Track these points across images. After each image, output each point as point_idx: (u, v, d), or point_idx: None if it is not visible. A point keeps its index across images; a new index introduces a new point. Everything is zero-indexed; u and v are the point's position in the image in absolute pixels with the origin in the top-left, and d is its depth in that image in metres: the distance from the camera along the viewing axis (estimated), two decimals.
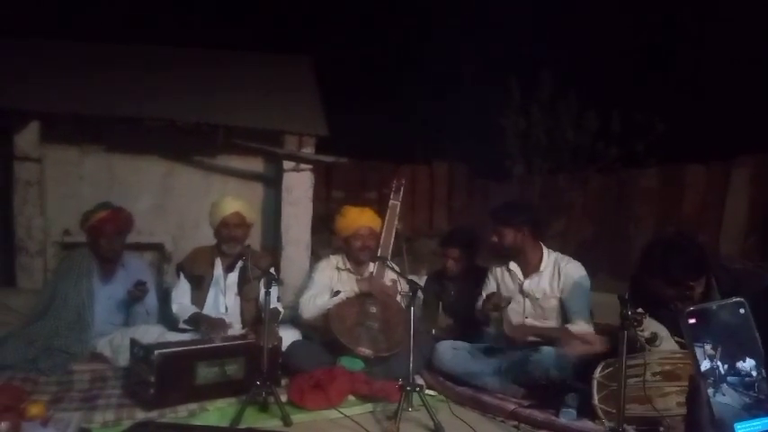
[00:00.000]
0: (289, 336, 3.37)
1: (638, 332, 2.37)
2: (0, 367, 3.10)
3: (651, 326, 2.55)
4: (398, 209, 3.70)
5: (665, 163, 5.86)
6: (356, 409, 2.80)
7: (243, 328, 3.51)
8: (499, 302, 3.09)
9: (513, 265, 3.30)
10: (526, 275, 3.21)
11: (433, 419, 2.55)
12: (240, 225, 3.55)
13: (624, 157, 6.78)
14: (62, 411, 2.37)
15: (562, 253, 3.28)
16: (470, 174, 6.79)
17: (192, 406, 2.73)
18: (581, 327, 3.04)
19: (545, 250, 3.21)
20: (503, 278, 3.33)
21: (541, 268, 3.17)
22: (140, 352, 2.78)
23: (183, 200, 5.33)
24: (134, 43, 6.03)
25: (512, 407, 2.77)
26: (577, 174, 6.39)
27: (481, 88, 7.07)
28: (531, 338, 3.11)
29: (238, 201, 3.65)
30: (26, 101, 4.71)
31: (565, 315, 3.15)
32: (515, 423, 2.67)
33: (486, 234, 3.32)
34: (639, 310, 2.13)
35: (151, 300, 3.63)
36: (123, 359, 3.17)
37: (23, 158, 4.71)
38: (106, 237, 3.55)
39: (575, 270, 3.13)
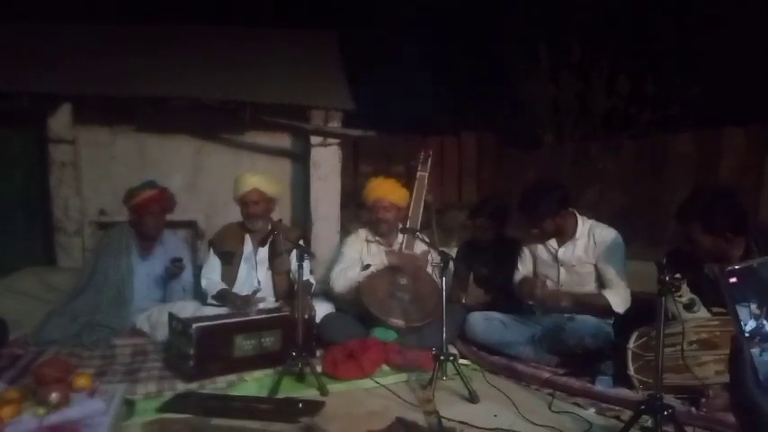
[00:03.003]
0: (322, 309, 3.41)
1: (676, 298, 2.33)
2: (46, 342, 3.23)
3: (688, 293, 2.50)
4: (426, 180, 3.67)
5: (701, 126, 5.67)
6: (390, 379, 2.83)
7: (276, 301, 3.56)
8: (533, 289, 3.06)
9: None
10: (560, 244, 3.16)
11: (467, 388, 2.56)
12: (258, 201, 3.55)
13: (658, 121, 6.57)
14: (106, 384, 2.45)
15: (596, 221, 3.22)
16: (499, 144, 6.67)
17: (231, 377, 2.80)
18: (617, 292, 2.98)
19: (579, 218, 3.15)
20: (536, 249, 3.29)
21: (576, 236, 3.11)
22: (179, 326, 2.85)
23: (214, 177, 5.38)
24: (160, 23, 6.06)
25: (546, 375, 2.78)
26: (610, 140, 6.23)
27: (509, 55, 6.91)
28: (565, 304, 3.07)
29: (256, 176, 3.60)
30: (57, 84, 4.79)
31: (600, 281, 3.10)
32: (550, 391, 2.66)
33: (517, 207, 3.25)
34: (677, 275, 2.08)
35: (187, 276, 3.71)
36: (161, 334, 3.26)
37: (57, 141, 4.81)
38: (151, 215, 3.62)
39: (609, 236, 3.07)
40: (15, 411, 1.79)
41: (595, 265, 3.09)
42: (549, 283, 3.15)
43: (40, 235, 5.06)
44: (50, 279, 3.84)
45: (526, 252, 3.35)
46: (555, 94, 6.82)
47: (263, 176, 3.65)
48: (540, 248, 3.27)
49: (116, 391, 2.09)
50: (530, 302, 3.20)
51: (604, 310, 3.00)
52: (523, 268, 3.35)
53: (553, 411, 2.44)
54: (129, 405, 2.33)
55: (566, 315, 3.06)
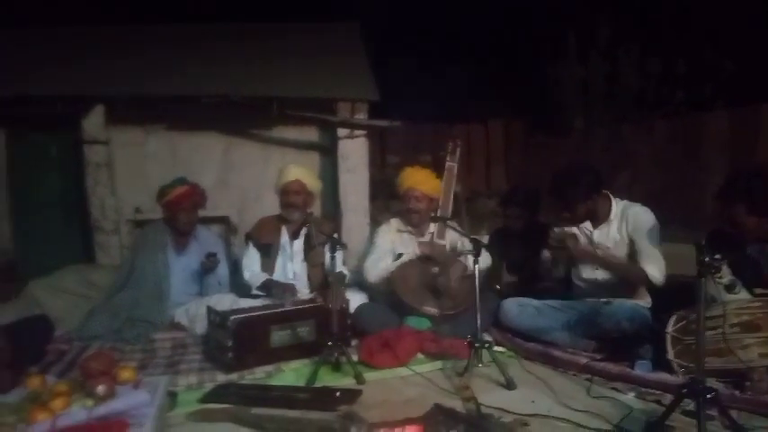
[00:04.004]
0: (356, 299, 3.43)
1: (717, 279, 2.28)
2: (89, 338, 3.33)
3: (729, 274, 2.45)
4: (455, 170, 3.66)
5: (736, 105, 5.51)
6: (426, 367, 2.84)
7: (311, 292, 3.60)
8: (563, 238, 3.01)
9: None
10: (595, 226, 3.11)
11: (503, 375, 2.56)
12: (299, 192, 3.60)
13: (691, 101, 6.41)
14: (149, 377, 2.52)
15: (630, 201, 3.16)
16: (527, 130, 6.60)
17: (269, 367, 2.85)
18: (653, 262, 2.91)
19: (613, 200, 3.09)
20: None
21: (611, 217, 3.06)
22: (217, 319, 2.91)
23: (244, 173, 5.45)
24: (185, 22, 6.14)
25: (584, 360, 2.75)
26: (641, 122, 6.10)
27: (535, 39, 6.81)
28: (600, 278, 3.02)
29: (301, 169, 3.69)
30: (89, 86, 4.90)
31: (636, 258, 3.04)
32: (588, 376, 2.64)
33: (547, 192, 3.21)
34: (717, 256, 2.04)
35: (222, 270, 3.78)
36: (200, 327, 3.33)
37: (92, 142, 4.92)
38: (184, 210, 3.70)
39: (642, 213, 3.01)
40: (66, 403, 1.86)
41: (630, 244, 3.03)
42: (585, 270, 3.12)
43: (79, 234, 5.20)
44: (91, 277, 3.95)
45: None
46: (584, 76, 6.71)
47: (307, 170, 3.73)
48: (575, 231, 3.23)
49: (159, 383, 2.14)
50: (555, 268, 3.16)
51: (639, 280, 2.95)
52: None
53: (592, 397, 2.42)
54: (172, 396, 2.38)
55: (602, 299, 3.02)
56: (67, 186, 5.31)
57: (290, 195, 3.59)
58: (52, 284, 3.81)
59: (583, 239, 3.17)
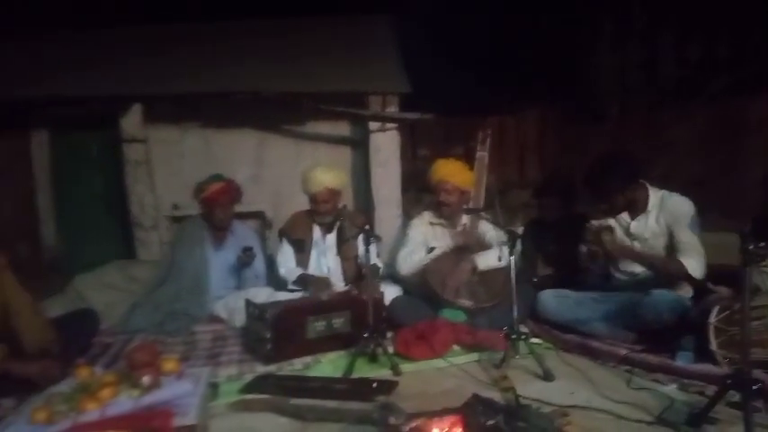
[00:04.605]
0: (390, 292, 3.45)
1: (762, 268, 2.22)
2: (133, 331, 3.43)
3: None
4: (486, 160, 3.62)
5: None
6: (462, 359, 2.84)
7: (345, 285, 3.63)
8: (599, 233, 2.96)
9: None
10: (633, 217, 3.05)
11: (541, 366, 2.54)
12: (328, 200, 3.61)
13: (732, 86, 6.20)
14: (191, 368, 2.58)
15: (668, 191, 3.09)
16: (561, 119, 6.49)
17: (307, 359, 2.89)
18: (692, 256, 2.84)
19: (650, 189, 3.03)
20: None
21: (648, 208, 3.00)
22: (255, 311, 2.96)
23: (277, 168, 5.52)
24: (216, 20, 6.22)
25: (623, 352, 2.71)
26: (680, 108, 5.93)
27: (569, 25, 6.66)
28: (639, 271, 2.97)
29: (327, 174, 3.61)
30: (127, 86, 5.03)
31: (673, 252, 2.97)
32: (628, 368, 2.60)
33: (583, 182, 3.15)
34: (762, 244, 1.98)
35: (259, 264, 3.85)
36: (238, 320, 3.39)
37: (130, 140, 5.06)
38: (221, 206, 3.78)
39: (681, 203, 2.94)
40: (113, 393, 1.92)
41: (668, 236, 2.97)
42: (624, 263, 3.07)
43: (120, 230, 5.35)
44: (133, 272, 4.06)
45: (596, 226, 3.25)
46: (620, 63, 6.55)
47: (331, 173, 3.65)
48: (611, 223, 3.18)
49: (202, 374, 2.20)
50: (592, 263, 3.11)
51: (678, 276, 2.87)
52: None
53: (632, 388, 2.38)
54: (214, 387, 2.44)
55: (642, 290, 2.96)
56: (108, 184, 5.47)
57: (320, 204, 3.61)
58: (96, 280, 3.94)
59: (620, 231, 3.11)
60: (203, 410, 2.01)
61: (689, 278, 2.85)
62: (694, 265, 2.81)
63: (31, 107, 5.10)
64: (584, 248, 3.18)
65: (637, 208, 3.04)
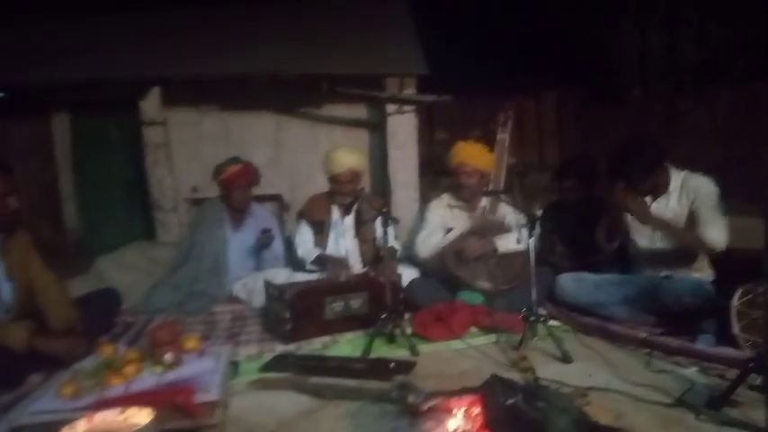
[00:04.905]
0: (407, 274, 3.45)
1: None
2: (153, 311, 3.49)
3: None
4: (507, 142, 3.59)
5: None
6: (480, 340, 2.83)
7: (363, 267, 3.64)
8: (626, 191, 2.91)
9: None
10: (654, 199, 3.02)
11: (559, 348, 2.53)
12: (351, 181, 3.62)
13: (754, 69, 6.06)
14: (211, 347, 2.61)
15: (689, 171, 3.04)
16: (581, 102, 6.40)
17: (325, 339, 2.92)
18: (714, 228, 2.79)
19: (672, 171, 2.99)
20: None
21: (670, 189, 2.96)
22: (275, 292, 2.99)
23: (295, 151, 5.54)
24: (232, 2, 6.20)
25: (643, 335, 2.68)
26: (702, 92, 5.82)
27: (590, 7, 6.54)
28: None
29: (351, 155, 3.62)
30: (146, 69, 5.05)
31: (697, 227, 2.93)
32: (647, 351, 2.58)
33: (606, 168, 3.11)
34: None
35: (277, 245, 3.88)
36: (257, 300, 3.43)
37: (150, 123, 5.10)
38: (239, 188, 3.81)
39: (703, 182, 2.90)
40: (137, 369, 1.96)
41: (690, 216, 2.93)
42: (643, 241, 3.04)
43: (140, 212, 5.42)
44: (153, 253, 4.12)
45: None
46: (641, 45, 6.43)
47: (354, 154, 3.66)
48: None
49: (222, 352, 2.23)
50: (609, 241, 3.08)
51: (699, 247, 2.85)
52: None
53: (651, 371, 2.36)
54: (234, 366, 2.47)
55: (662, 273, 2.94)
56: (128, 167, 5.53)
57: (342, 185, 3.61)
58: (117, 260, 3.99)
59: None
60: (224, 387, 2.04)
61: (710, 250, 2.81)
62: (715, 234, 2.76)
63: (52, 91, 5.15)
64: (602, 225, 3.15)
65: (658, 190, 3.00)
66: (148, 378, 1.91)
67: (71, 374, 1.98)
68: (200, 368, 2.00)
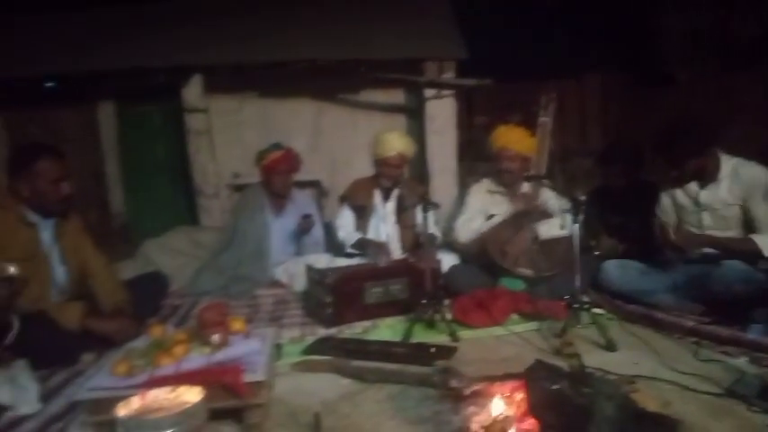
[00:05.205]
0: (447, 260, 3.45)
1: None
2: (199, 293, 3.58)
3: None
4: (550, 126, 3.52)
5: None
6: (521, 327, 2.82)
7: (403, 253, 3.65)
8: (667, 236, 2.87)
9: None
10: (702, 186, 2.92)
11: (604, 336, 2.49)
12: (399, 166, 3.64)
13: None
14: (255, 329, 2.67)
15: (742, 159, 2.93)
16: (626, 84, 6.20)
17: (365, 323, 2.96)
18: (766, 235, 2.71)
19: (722, 156, 2.89)
20: (675, 194, 3.07)
21: (719, 176, 2.86)
22: (316, 276, 3.04)
23: (333, 137, 5.56)
24: None
25: (690, 324, 2.62)
26: (754, 72, 5.58)
27: None
28: (707, 250, 2.86)
29: (402, 139, 3.66)
30: (188, 57, 5.13)
31: (748, 224, 2.84)
32: (695, 340, 2.52)
33: (653, 148, 3.03)
34: None
35: (317, 231, 3.93)
36: (298, 284, 3.49)
37: (192, 110, 5.18)
38: (280, 174, 3.86)
39: (757, 173, 2.79)
40: (186, 350, 2.01)
41: (741, 207, 2.84)
42: (691, 218, 2.96)
43: (184, 198, 5.54)
44: (198, 237, 4.22)
45: (665, 199, 3.14)
46: (689, 24, 6.19)
47: (405, 138, 3.70)
48: (679, 193, 3.06)
49: (267, 334, 2.27)
50: (673, 252, 3.01)
51: (753, 256, 2.75)
52: (664, 216, 3.15)
53: (699, 360, 2.30)
54: (277, 348, 2.52)
55: (712, 262, 2.85)
56: (172, 153, 5.64)
57: (390, 168, 3.62)
58: (163, 244, 4.11)
59: (688, 202, 3.00)
60: (270, 369, 2.09)
61: (763, 258, 2.73)
62: None
63: (99, 80, 5.28)
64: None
65: (707, 177, 2.90)
66: (197, 358, 1.96)
67: (124, 354, 2.04)
68: (247, 349, 2.04)
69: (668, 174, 2.95)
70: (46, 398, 2.14)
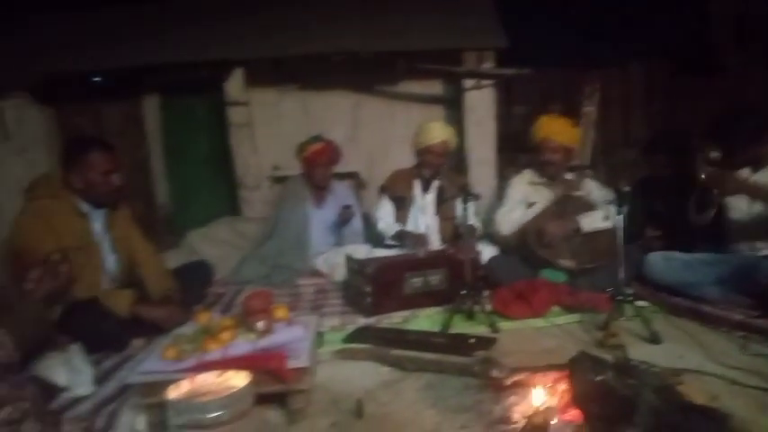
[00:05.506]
0: (487, 251, 3.44)
1: None
2: (242, 282, 3.67)
3: None
4: (594, 115, 3.47)
5: None
6: (562, 319, 2.80)
7: (442, 245, 3.65)
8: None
9: None
10: (755, 171, 2.83)
11: (648, 329, 2.45)
12: (442, 154, 3.63)
13: None
14: (297, 317, 2.72)
15: None
16: (672, 72, 6.00)
17: (405, 313, 2.98)
18: None
19: None
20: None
21: None
22: (356, 266, 3.07)
23: (371, 129, 5.57)
24: None
25: (738, 317, 2.56)
26: None
27: None
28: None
29: (446, 129, 3.67)
30: (230, 51, 5.21)
31: None
32: (743, 334, 2.45)
33: (704, 135, 2.95)
34: None
35: (357, 222, 3.97)
36: (338, 274, 3.54)
37: (234, 103, 5.26)
38: (320, 166, 3.91)
39: None
40: (232, 336, 2.07)
41: None
42: (738, 203, 2.88)
43: (225, 190, 5.65)
44: (240, 228, 4.32)
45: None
46: (739, 7, 5.95)
47: (448, 128, 3.71)
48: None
49: (310, 322, 2.32)
50: (701, 213, 2.92)
51: None
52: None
53: (747, 354, 2.25)
54: (319, 336, 2.57)
55: (760, 253, 2.77)
56: (214, 146, 5.75)
57: (434, 156, 3.61)
58: (207, 235, 4.22)
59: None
60: (312, 355, 2.13)
61: None
62: None
63: (143, 74, 5.42)
64: (693, 198, 3.00)
65: (759, 163, 2.81)
66: (243, 344, 2.02)
67: (173, 339, 2.12)
68: (291, 336, 2.09)
69: (718, 163, 2.85)
70: (99, 380, 2.23)
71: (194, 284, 3.25)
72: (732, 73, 5.85)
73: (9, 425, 1.45)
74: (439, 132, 3.59)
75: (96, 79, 5.37)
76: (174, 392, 1.58)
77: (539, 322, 2.76)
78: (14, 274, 2.47)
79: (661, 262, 3.05)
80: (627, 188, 2.53)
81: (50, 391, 2.06)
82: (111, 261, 2.86)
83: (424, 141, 3.60)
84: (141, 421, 1.85)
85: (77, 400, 2.08)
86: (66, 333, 2.34)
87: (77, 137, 3.22)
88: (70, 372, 2.16)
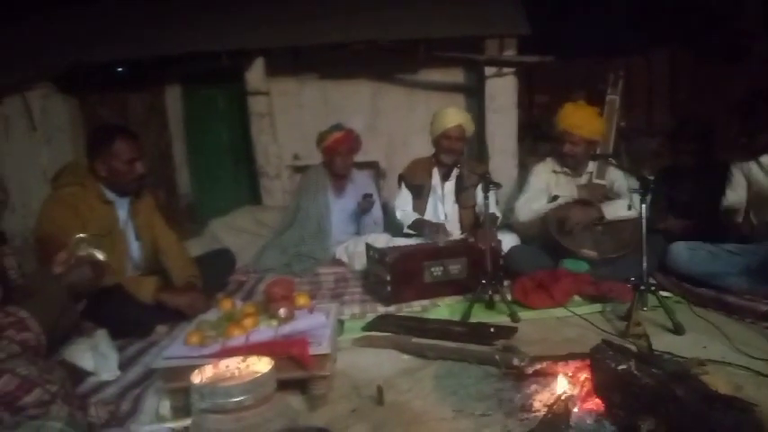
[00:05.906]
0: (507, 240, 3.41)
1: None
2: (263, 270, 3.70)
3: None
4: (618, 104, 3.41)
5: None
6: (583, 309, 2.77)
7: (461, 233, 3.64)
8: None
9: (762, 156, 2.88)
10: None
11: (671, 319, 2.42)
12: (460, 138, 3.60)
13: None
14: (318, 305, 2.75)
15: None
16: (696, 60, 5.87)
17: (424, 302, 2.98)
18: None
19: None
20: (750, 170, 2.92)
21: None
22: (376, 255, 3.08)
23: (391, 118, 5.56)
24: None
25: (764, 308, 2.51)
26: None
27: None
28: None
29: (462, 113, 3.65)
30: (250, 41, 5.23)
31: None
32: None
33: (726, 120, 2.90)
34: None
35: (377, 211, 3.98)
36: (358, 263, 3.55)
37: (255, 93, 5.29)
38: (341, 155, 3.91)
39: None
40: (255, 322, 2.09)
41: None
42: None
43: (247, 179, 5.70)
44: (261, 217, 4.35)
45: (737, 175, 2.99)
46: None
47: (465, 113, 3.68)
48: (754, 169, 2.91)
49: (330, 309, 2.33)
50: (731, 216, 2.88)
51: None
52: (733, 194, 3.01)
53: None
54: (339, 323, 2.58)
55: None
56: (235, 135, 5.81)
57: (452, 141, 3.58)
58: (229, 223, 4.26)
59: (761, 175, 2.85)
60: (334, 342, 2.14)
61: None
62: None
63: (165, 64, 5.47)
64: (724, 202, 2.95)
65: None
66: (265, 330, 2.04)
67: (196, 325, 2.14)
68: (313, 322, 2.10)
69: (740, 143, 2.80)
70: (124, 366, 2.28)
71: (216, 272, 3.29)
72: (757, 59, 5.71)
73: (38, 407, 1.49)
74: (454, 117, 3.56)
75: (119, 70, 5.44)
76: (197, 377, 1.60)
77: (559, 312, 2.74)
78: (41, 261, 2.52)
79: (685, 252, 3.00)
80: (651, 177, 2.49)
81: (77, 375, 2.11)
82: (135, 248, 2.90)
83: (440, 127, 3.57)
84: (165, 405, 1.89)
85: (103, 385, 2.12)
86: (92, 319, 2.38)
87: (102, 126, 3.26)
88: (96, 357, 2.21)
